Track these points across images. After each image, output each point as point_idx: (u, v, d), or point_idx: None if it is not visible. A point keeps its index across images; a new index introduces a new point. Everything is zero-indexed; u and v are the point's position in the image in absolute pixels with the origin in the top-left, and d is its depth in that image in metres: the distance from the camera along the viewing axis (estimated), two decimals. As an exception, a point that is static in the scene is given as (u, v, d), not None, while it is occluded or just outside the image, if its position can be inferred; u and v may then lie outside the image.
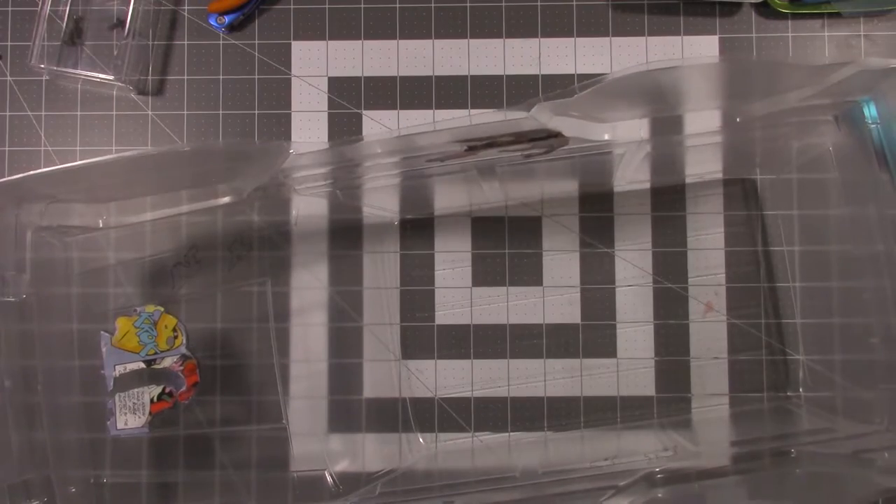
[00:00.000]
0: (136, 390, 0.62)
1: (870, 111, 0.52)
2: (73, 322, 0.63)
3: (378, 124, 0.67)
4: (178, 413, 0.64)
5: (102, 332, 0.62)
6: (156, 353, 0.63)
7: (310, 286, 0.66)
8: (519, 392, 0.65)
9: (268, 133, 0.67)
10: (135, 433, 0.62)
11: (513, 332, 0.66)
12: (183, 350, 0.63)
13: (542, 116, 0.47)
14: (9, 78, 0.68)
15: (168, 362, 0.63)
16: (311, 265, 0.66)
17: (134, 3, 0.65)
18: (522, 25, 0.67)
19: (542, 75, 0.67)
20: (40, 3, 0.66)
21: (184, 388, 0.63)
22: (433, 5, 0.67)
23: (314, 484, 0.64)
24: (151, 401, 0.62)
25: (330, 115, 0.67)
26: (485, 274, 0.66)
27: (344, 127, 0.67)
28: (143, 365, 0.62)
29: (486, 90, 0.67)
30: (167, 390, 0.62)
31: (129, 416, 0.62)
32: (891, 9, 0.65)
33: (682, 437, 0.62)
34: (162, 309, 0.63)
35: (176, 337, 0.63)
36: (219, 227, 0.65)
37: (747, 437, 0.63)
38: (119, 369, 0.62)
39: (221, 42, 0.67)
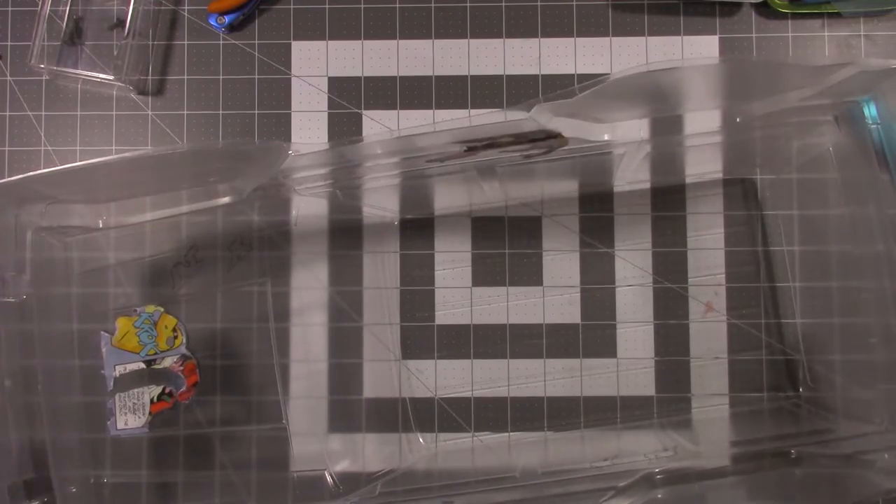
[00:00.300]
0: (136, 390, 0.62)
1: (870, 111, 0.52)
2: (73, 322, 0.63)
3: (378, 124, 0.67)
4: (178, 413, 0.64)
5: (102, 333, 0.62)
6: (156, 354, 0.63)
7: (310, 286, 0.66)
8: (519, 392, 0.65)
9: (268, 133, 0.67)
10: (135, 433, 0.62)
11: (513, 332, 0.66)
12: (183, 350, 0.63)
13: (541, 117, 0.47)
14: (9, 78, 0.68)
15: (168, 362, 0.63)
16: (311, 265, 0.66)
17: (134, 3, 0.65)
18: (522, 25, 0.67)
19: (542, 75, 0.67)
20: (40, 3, 0.66)
21: (184, 388, 0.63)
22: (433, 5, 0.67)
23: (314, 484, 0.64)
24: (151, 401, 0.62)
25: (330, 115, 0.67)
26: (485, 274, 0.66)
27: (344, 127, 0.67)
28: (143, 365, 0.62)
29: (486, 90, 0.67)
30: (167, 390, 0.62)
31: (130, 416, 0.62)
32: (891, 9, 0.65)
33: (682, 437, 0.62)
34: (162, 309, 0.63)
35: (176, 337, 0.63)
36: (219, 227, 0.65)
37: (747, 438, 0.63)
38: (119, 369, 0.62)
39: (221, 42, 0.67)
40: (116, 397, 0.62)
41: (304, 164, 0.53)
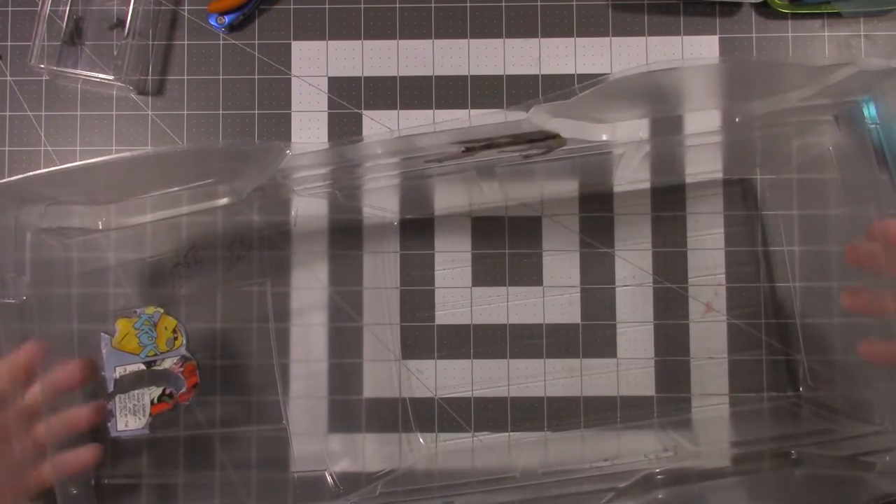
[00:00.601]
0: (136, 392, 0.62)
1: (869, 111, 0.52)
2: (74, 323, 0.63)
3: (378, 124, 0.67)
4: (179, 414, 0.64)
5: (102, 334, 0.62)
6: (156, 355, 0.62)
7: (310, 286, 0.66)
8: (519, 392, 0.65)
9: (268, 133, 0.67)
10: (135, 434, 0.62)
11: (513, 332, 0.66)
12: (183, 351, 0.63)
13: (539, 119, 0.47)
14: (9, 78, 0.68)
15: (168, 364, 0.63)
16: (311, 265, 0.66)
17: (134, 3, 0.65)
18: (522, 25, 0.67)
19: (542, 75, 0.66)
20: (40, 3, 0.66)
21: (184, 390, 0.63)
22: (433, 5, 0.67)
23: (314, 484, 0.64)
24: (152, 402, 0.62)
25: (330, 115, 0.67)
26: (485, 274, 0.66)
27: (344, 127, 0.67)
28: (143, 366, 0.62)
29: (486, 90, 0.67)
30: (167, 392, 0.62)
31: (130, 417, 0.62)
32: (891, 9, 0.65)
33: (682, 437, 0.62)
34: (162, 310, 0.63)
35: (176, 338, 0.63)
36: (219, 228, 0.65)
37: (747, 438, 0.63)
38: (119, 371, 0.62)
39: (221, 42, 0.67)
40: (117, 399, 0.62)
41: (303, 164, 0.52)
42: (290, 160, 0.51)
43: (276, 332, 0.65)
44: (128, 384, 0.62)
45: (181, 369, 0.62)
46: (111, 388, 0.62)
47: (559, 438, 0.65)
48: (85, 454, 0.57)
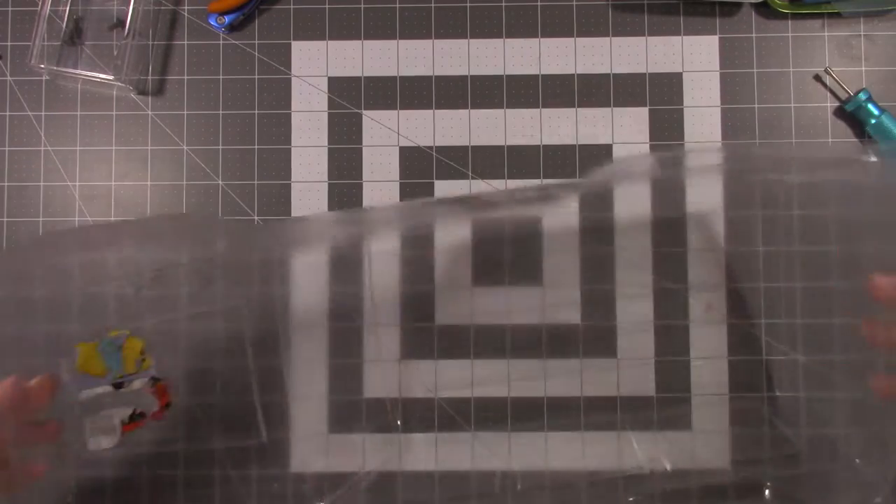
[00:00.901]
0: (105, 413, 0.61)
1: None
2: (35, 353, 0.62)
3: (378, 124, 0.67)
4: (169, 424, 0.63)
5: (60, 360, 0.61)
6: (123, 377, 0.61)
7: (309, 288, 0.66)
8: (519, 392, 0.65)
9: (268, 133, 0.67)
10: (108, 453, 0.61)
11: (513, 332, 0.66)
12: (152, 372, 0.62)
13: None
14: (9, 78, 0.68)
15: (138, 385, 0.61)
16: (311, 266, 0.66)
17: (134, 3, 0.66)
18: (522, 25, 0.67)
19: (542, 75, 0.67)
20: (40, 3, 0.66)
21: (155, 409, 0.62)
22: (433, 5, 0.67)
23: (312, 485, 0.64)
24: (123, 422, 0.61)
25: (330, 115, 0.67)
26: (484, 274, 0.66)
27: (344, 127, 0.67)
28: (110, 388, 0.61)
29: (486, 90, 0.67)
30: (138, 412, 0.61)
31: (102, 437, 0.61)
32: (891, 9, 0.65)
33: (666, 450, 0.63)
34: (127, 332, 0.62)
35: (143, 360, 0.62)
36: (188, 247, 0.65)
37: (732, 459, 0.63)
38: (86, 393, 0.61)
39: (221, 42, 0.68)
40: (87, 421, 0.61)
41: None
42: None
43: (275, 333, 0.65)
44: (95, 406, 0.61)
45: (152, 390, 0.61)
46: (76, 410, 0.60)
47: (558, 439, 0.65)
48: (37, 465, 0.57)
